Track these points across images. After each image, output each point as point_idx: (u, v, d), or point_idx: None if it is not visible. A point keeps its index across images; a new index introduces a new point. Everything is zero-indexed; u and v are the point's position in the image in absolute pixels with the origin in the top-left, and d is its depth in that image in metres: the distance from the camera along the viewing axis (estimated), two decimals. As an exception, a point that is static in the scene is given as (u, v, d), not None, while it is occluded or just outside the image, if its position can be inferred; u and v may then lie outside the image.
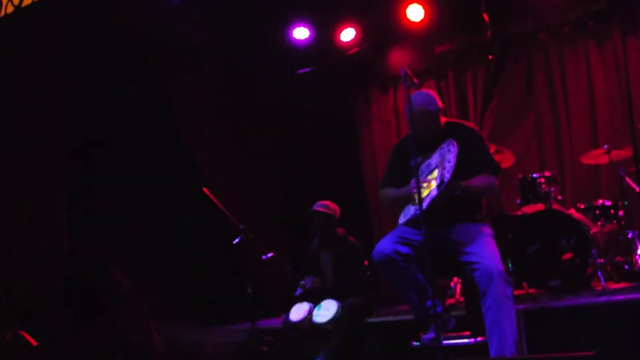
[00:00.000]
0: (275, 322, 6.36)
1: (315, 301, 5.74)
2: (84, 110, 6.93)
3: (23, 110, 6.67)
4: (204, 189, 5.91)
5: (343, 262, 5.87)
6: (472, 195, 4.59)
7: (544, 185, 6.21)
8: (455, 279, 6.34)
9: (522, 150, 7.60)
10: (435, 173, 4.41)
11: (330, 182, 8.35)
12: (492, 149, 5.89)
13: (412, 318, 4.92)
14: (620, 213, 6.28)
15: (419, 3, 7.57)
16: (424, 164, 4.55)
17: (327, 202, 5.98)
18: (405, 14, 7.64)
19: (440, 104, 4.69)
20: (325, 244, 6.02)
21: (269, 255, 5.90)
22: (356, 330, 5.64)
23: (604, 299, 5.12)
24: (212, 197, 5.87)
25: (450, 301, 6.28)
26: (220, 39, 7.67)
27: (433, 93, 4.75)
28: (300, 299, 5.84)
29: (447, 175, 4.25)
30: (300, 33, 7.97)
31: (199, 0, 6.96)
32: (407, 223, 4.55)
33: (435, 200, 4.30)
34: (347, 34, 8.07)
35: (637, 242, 6.09)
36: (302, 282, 5.86)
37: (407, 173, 4.49)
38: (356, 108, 8.87)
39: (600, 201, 6.38)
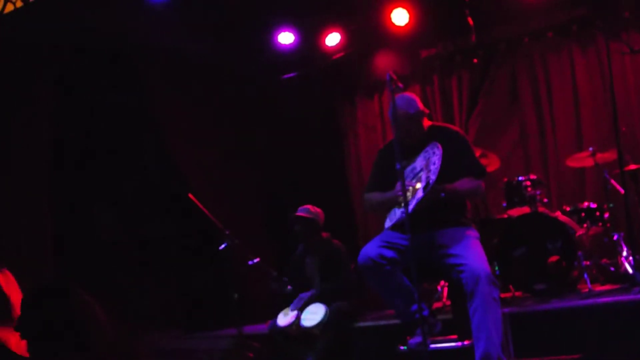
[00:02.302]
0: (261, 328, 6.33)
1: (303, 305, 5.71)
2: (67, 117, 6.89)
3: (5, 118, 6.61)
4: (190, 195, 5.87)
5: (329, 266, 5.85)
6: (457, 198, 4.59)
7: (529, 189, 6.22)
8: (442, 282, 6.33)
9: (508, 154, 7.64)
10: (420, 176, 4.41)
11: (316, 187, 8.34)
12: (477, 153, 5.88)
13: (399, 322, 4.91)
14: (606, 215, 6.30)
15: (404, 7, 7.58)
16: (409, 168, 4.54)
17: (309, 207, 5.95)
18: (390, 18, 7.65)
19: (421, 106, 4.68)
20: (310, 249, 6.00)
21: (255, 260, 5.86)
22: (344, 335, 5.62)
23: (590, 301, 5.13)
24: (197, 202, 5.84)
25: (437, 305, 6.27)
26: (204, 44, 7.65)
27: (413, 95, 4.75)
28: (284, 300, 5.81)
29: (433, 177, 4.25)
30: (285, 38, 7.96)
31: (182, 5, 6.93)
32: (393, 227, 4.54)
33: (420, 202, 4.29)
34: (332, 39, 8.07)
35: (623, 244, 6.11)
36: (289, 287, 5.84)
37: (391, 177, 4.48)
38: (341, 113, 8.86)
39: (586, 204, 6.40)
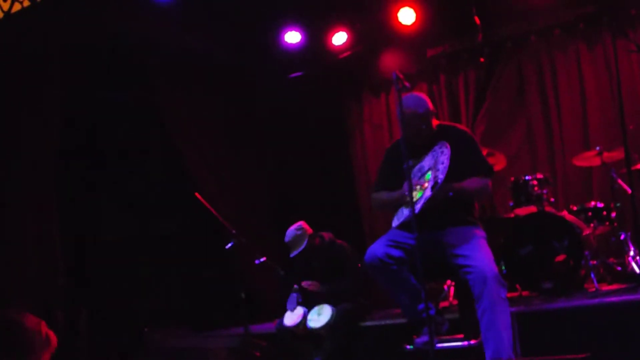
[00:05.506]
0: (268, 327, 6.34)
1: (309, 306, 5.71)
2: (75, 117, 6.91)
3: (13, 117, 6.63)
4: (196, 194, 5.88)
5: (334, 267, 5.84)
6: (466, 198, 4.58)
7: (536, 188, 6.21)
8: (449, 281, 6.33)
9: (515, 153, 7.62)
10: (429, 175, 4.41)
11: (323, 185, 8.36)
12: (484, 152, 5.88)
13: (406, 321, 4.91)
14: (613, 214, 6.28)
15: (411, 6, 7.58)
16: (417, 167, 4.54)
17: (291, 231, 5.92)
18: (397, 17, 7.65)
19: (430, 106, 4.68)
20: (314, 250, 5.96)
21: (262, 259, 5.87)
22: (350, 335, 5.62)
23: (596, 300, 5.12)
24: (204, 201, 5.85)
25: (444, 304, 6.27)
26: (211, 43, 7.66)
27: (423, 95, 4.74)
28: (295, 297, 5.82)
29: (441, 177, 4.25)
30: (292, 37, 7.96)
31: (190, 4, 6.94)
32: (400, 226, 4.54)
33: (429, 202, 4.29)
34: (339, 38, 8.07)
35: (630, 244, 6.09)
36: (295, 286, 5.85)
37: (399, 176, 4.48)
38: (348, 112, 8.86)
39: (593, 203, 6.38)
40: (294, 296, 5.78)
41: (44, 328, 2.66)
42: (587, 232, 6.08)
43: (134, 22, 7.00)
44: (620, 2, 7.03)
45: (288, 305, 5.75)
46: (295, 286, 5.85)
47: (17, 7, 6.23)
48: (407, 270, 4.55)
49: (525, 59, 7.77)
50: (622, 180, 6.24)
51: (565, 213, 6.20)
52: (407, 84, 4.28)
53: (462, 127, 4.96)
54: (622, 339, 4.66)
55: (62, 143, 6.74)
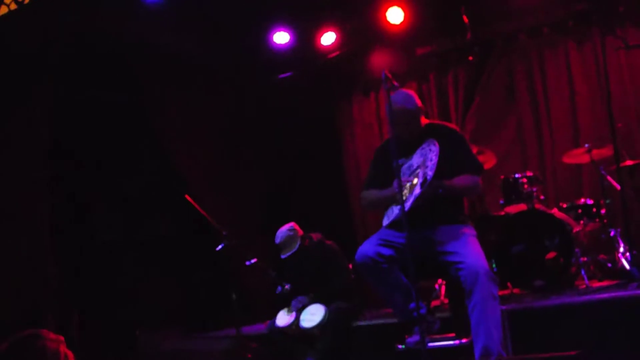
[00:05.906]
0: (260, 328, 6.33)
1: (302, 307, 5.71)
2: (66, 119, 6.89)
3: (3, 119, 6.60)
4: (186, 196, 5.86)
5: (325, 267, 5.83)
6: (455, 195, 4.58)
7: (526, 186, 6.23)
8: (440, 280, 6.34)
9: (504, 151, 7.64)
10: (418, 173, 4.40)
11: (314, 186, 8.36)
12: (474, 150, 5.89)
13: (397, 321, 4.90)
14: (602, 211, 6.31)
15: (399, 6, 7.57)
16: (406, 165, 4.54)
17: (282, 231, 5.91)
18: (385, 16, 7.65)
19: (419, 102, 4.67)
20: (305, 251, 5.95)
21: (253, 261, 5.86)
22: (343, 335, 5.61)
23: (587, 297, 5.13)
24: (194, 203, 5.83)
25: (435, 303, 6.27)
26: (200, 44, 7.64)
27: (412, 92, 4.74)
28: (282, 300, 5.79)
29: (430, 173, 4.24)
30: (281, 37, 7.95)
31: (179, 6, 6.93)
32: (391, 225, 4.53)
33: (418, 199, 4.28)
34: (328, 38, 8.06)
35: (620, 240, 6.11)
36: (286, 285, 5.83)
37: (389, 175, 4.47)
38: (339, 111, 8.87)
39: (583, 200, 6.42)
40: (301, 299, 5.75)
41: (63, 348, 2.64)
42: (577, 229, 6.10)
43: (123, 23, 6.97)
44: (609, 0, 7.05)
45: (293, 304, 5.72)
46: (287, 287, 5.83)
47: (3, 10, 6.20)
48: (398, 269, 4.55)
49: (515, 58, 7.79)
50: (611, 177, 6.26)
51: (555, 210, 6.22)
52: (396, 83, 4.27)
53: (452, 125, 4.95)
54: (613, 335, 4.66)
55: (53, 144, 6.71)
